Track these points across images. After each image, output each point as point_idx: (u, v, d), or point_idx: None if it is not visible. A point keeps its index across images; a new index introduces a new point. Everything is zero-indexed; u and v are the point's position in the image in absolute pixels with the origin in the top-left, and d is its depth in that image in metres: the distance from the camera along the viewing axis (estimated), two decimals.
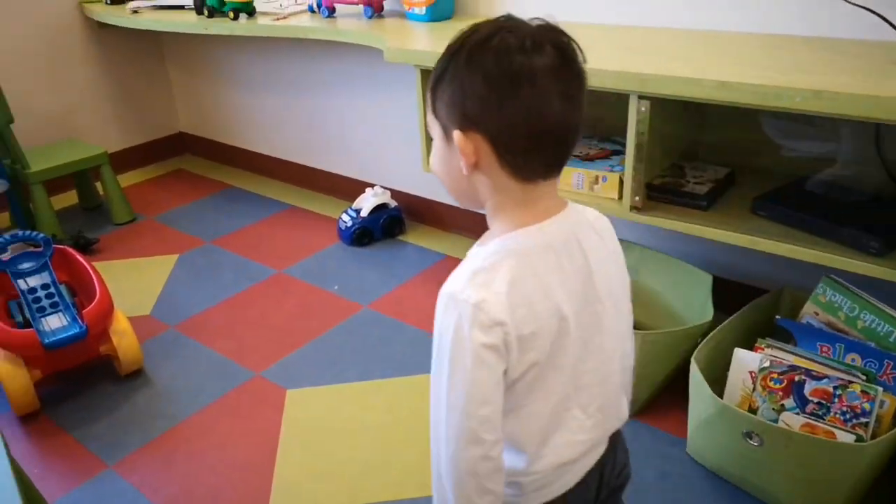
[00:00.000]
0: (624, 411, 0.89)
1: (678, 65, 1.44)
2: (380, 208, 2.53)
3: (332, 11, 2.29)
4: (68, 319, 1.76)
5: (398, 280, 2.29)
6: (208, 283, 2.31)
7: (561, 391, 0.78)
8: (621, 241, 0.89)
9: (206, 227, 2.71)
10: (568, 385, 0.79)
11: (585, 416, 0.81)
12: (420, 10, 2.09)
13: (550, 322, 0.75)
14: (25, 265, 1.84)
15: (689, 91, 1.36)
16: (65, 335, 1.68)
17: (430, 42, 1.86)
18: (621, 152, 1.73)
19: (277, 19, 2.33)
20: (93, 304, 1.74)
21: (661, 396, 1.66)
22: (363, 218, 2.50)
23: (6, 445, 1.11)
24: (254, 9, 2.41)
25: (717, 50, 1.58)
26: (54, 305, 1.81)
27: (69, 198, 3.01)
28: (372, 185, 2.68)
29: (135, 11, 2.70)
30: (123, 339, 1.79)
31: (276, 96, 2.93)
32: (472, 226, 2.50)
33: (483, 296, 0.73)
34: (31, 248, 1.89)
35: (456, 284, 0.76)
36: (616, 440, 0.89)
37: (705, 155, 1.78)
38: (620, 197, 1.61)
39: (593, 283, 0.79)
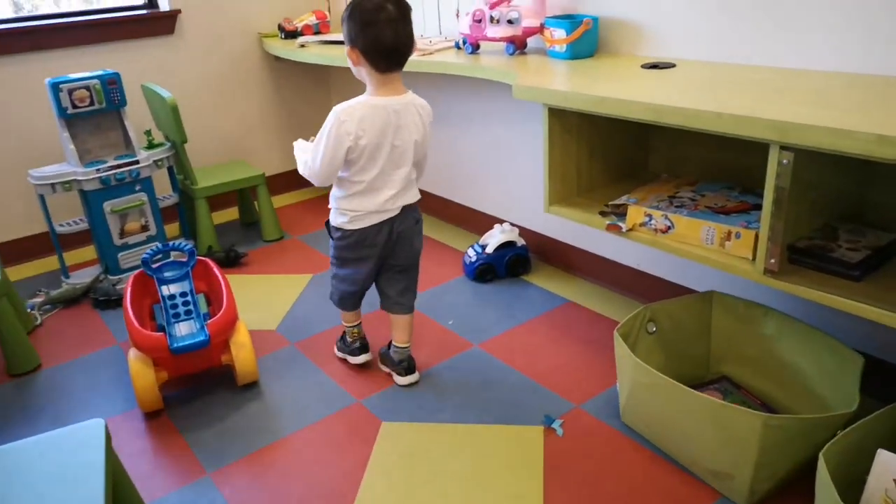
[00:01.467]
0: (406, 199, 1.75)
1: (826, 112, 1.25)
2: (506, 246, 2.48)
3: (475, 48, 2.31)
4: (197, 327, 1.89)
5: (515, 321, 2.21)
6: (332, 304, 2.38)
7: (377, 175, 1.68)
8: (759, 304, 1.70)
9: None
10: (379, 175, 1.68)
11: (386, 193, 1.70)
12: (560, 48, 2.04)
13: (372, 139, 1.63)
14: (169, 273, 2.01)
15: (839, 144, 1.17)
16: (190, 342, 1.80)
17: (562, 80, 1.80)
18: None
19: (424, 54, 2.39)
20: (217, 316, 1.86)
21: (788, 490, 1.43)
22: (488, 254, 2.47)
23: (109, 444, 1.20)
24: None
25: (872, 96, 1.37)
26: (188, 313, 1.96)
27: (232, 213, 3.29)
28: (501, 222, 2.65)
29: (302, 46, 2.91)
30: (241, 351, 1.89)
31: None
32: (599, 271, 2.38)
33: (345, 118, 1.61)
34: (178, 258, 2.06)
35: (340, 106, 1.62)
36: (405, 210, 1.76)
37: (870, 216, 1.54)
38: (754, 257, 1.43)
39: (400, 132, 1.67)
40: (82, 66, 2.84)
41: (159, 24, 3.00)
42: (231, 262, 2.74)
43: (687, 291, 2.10)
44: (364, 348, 2.04)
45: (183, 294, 1.99)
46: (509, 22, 2.15)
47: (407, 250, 1.82)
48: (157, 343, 1.77)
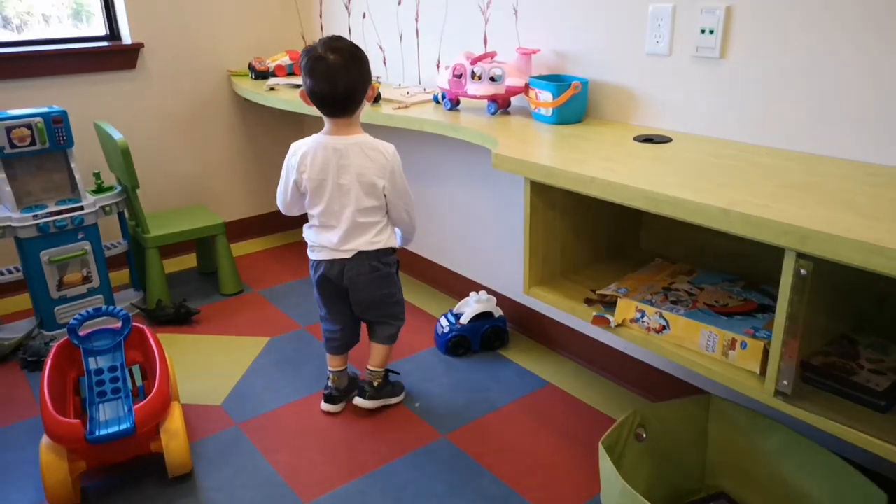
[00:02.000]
0: (362, 244, 1.76)
1: (854, 218, 1.07)
2: (482, 316, 2.28)
3: (455, 104, 2.13)
4: (123, 411, 1.65)
5: (489, 405, 2.00)
6: (288, 376, 2.16)
7: (323, 211, 1.75)
8: (763, 415, 1.50)
9: (304, 309, 2.60)
10: (325, 211, 1.75)
11: (336, 232, 1.76)
12: (546, 111, 1.87)
13: (314, 175, 1.72)
14: (98, 343, 1.78)
15: (871, 261, 0.99)
16: (110, 431, 1.57)
17: (547, 151, 1.62)
18: (770, 309, 1.36)
19: (399, 108, 2.21)
20: (146, 400, 1.63)
21: None
22: (462, 326, 2.26)
23: None
24: (379, 95, 2.32)
25: None
26: (116, 392, 1.72)
27: (189, 260, 3.06)
28: (478, 289, 2.45)
29: (272, 88, 2.72)
30: (173, 440, 1.65)
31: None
32: (583, 350, 2.18)
33: (292, 152, 1.77)
34: (111, 324, 1.83)
35: (296, 141, 1.78)
36: (361, 256, 1.76)
37: (893, 328, 1.35)
38: (763, 372, 1.24)
39: (343, 171, 1.71)
40: (34, 99, 2.63)
41: (120, 58, 2.80)
42: (181, 319, 2.50)
43: (681, 385, 1.90)
44: (332, 398, 1.98)
45: (112, 369, 1.76)
46: (492, 79, 1.98)
47: (363, 297, 1.85)
48: (70, 433, 1.53)
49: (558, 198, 1.62)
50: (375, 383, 1.97)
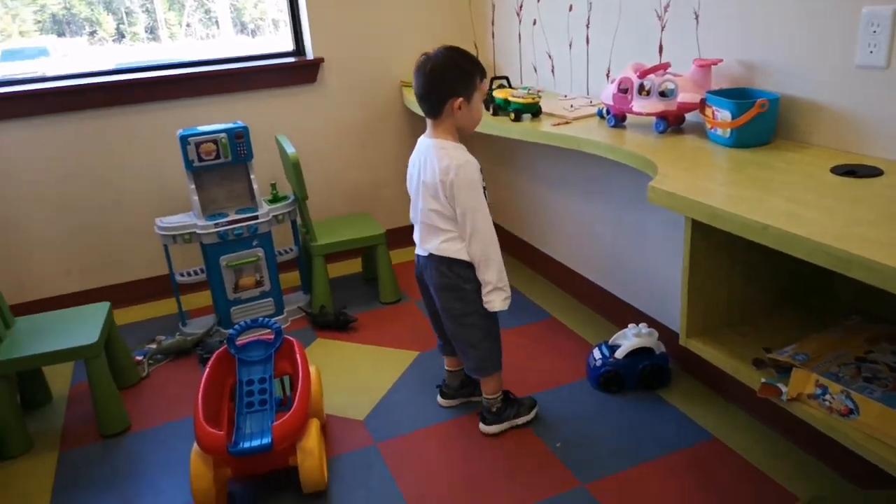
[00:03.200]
0: (432, 247, 1.78)
1: None
2: (641, 352, 2.07)
3: (620, 120, 1.95)
4: (266, 425, 1.71)
5: (639, 456, 1.80)
6: (431, 396, 2.13)
7: (412, 206, 1.84)
8: None
9: None
10: (412, 207, 1.84)
11: (417, 230, 1.84)
12: (724, 132, 1.62)
13: (410, 170, 1.82)
14: (252, 354, 1.86)
15: None
16: (250, 445, 1.63)
17: (717, 183, 1.39)
18: None
19: (559, 124, 2.07)
20: (284, 418, 1.67)
21: None
22: (616, 360, 2.07)
23: None
24: (539, 109, 2.20)
25: None
26: (263, 403, 1.79)
27: (355, 265, 3.16)
28: (640, 319, 2.24)
29: None
30: (308, 459, 1.68)
31: (565, 197, 2.67)
32: (758, 401, 1.89)
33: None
34: (265, 337, 1.91)
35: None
36: (432, 259, 1.79)
37: None
38: None
39: (423, 169, 1.74)
40: (223, 112, 2.86)
41: (303, 73, 2.95)
42: (340, 325, 2.58)
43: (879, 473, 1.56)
44: (443, 394, 2.08)
45: (262, 380, 1.84)
46: (662, 94, 1.77)
47: (438, 302, 1.85)
48: (215, 444, 1.61)
49: (727, 237, 1.39)
50: (493, 409, 1.93)
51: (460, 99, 1.68)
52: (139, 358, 2.41)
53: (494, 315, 1.84)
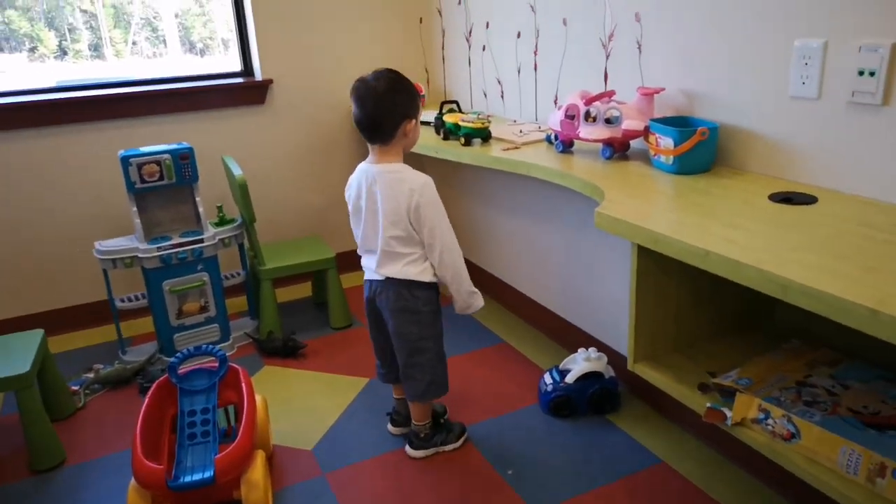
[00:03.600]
0: (392, 271, 1.75)
1: None
2: (591, 376, 2.08)
3: (567, 146, 1.97)
4: (209, 458, 1.65)
5: (591, 482, 1.80)
6: (382, 423, 2.09)
7: (362, 235, 1.80)
8: None
9: None
10: (363, 235, 1.79)
11: (374, 257, 1.79)
12: (667, 159, 1.66)
13: (352, 198, 1.79)
14: (196, 383, 1.80)
15: None
16: (191, 479, 1.57)
17: (661, 209, 1.42)
18: None
19: (508, 149, 2.09)
20: (228, 450, 1.61)
21: None
22: (567, 385, 2.07)
23: None
24: (489, 134, 2.22)
25: None
26: (206, 434, 1.73)
27: (305, 289, 3.11)
28: (589, 343, 2.25)
29: None
30: (252, 492, 1.62)
31: (512, 219, 2.68)
32: (705, 425, 1.91)
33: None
34: (209, 365, 1.85)
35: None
36: (390, 282, 1.76)
37: None
38: None
39: (373, 197, 1.72)
40: (169, 133, 2.79)
41: (251, 94, 2.91)
42: (289, 352, 2.52)
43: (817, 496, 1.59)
44: (393, 421, 2.05)
45: (205, 410, 1.78)
46: (607, 121, 1.80)
47: (392, 328, 1.82)
48: (153, 478, 1.54)
49: (674, 263, 1.41)
50: (422, 434, 1.93)
51: (413, 120, 1.71)
52: (75, 388, 2.30)
53: (442, 339, 1.87)
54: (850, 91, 1.35)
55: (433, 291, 1.81)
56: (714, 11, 1.64)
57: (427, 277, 1.76)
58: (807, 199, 1.38)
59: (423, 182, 1.69)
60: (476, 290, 1.83)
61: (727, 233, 1.23)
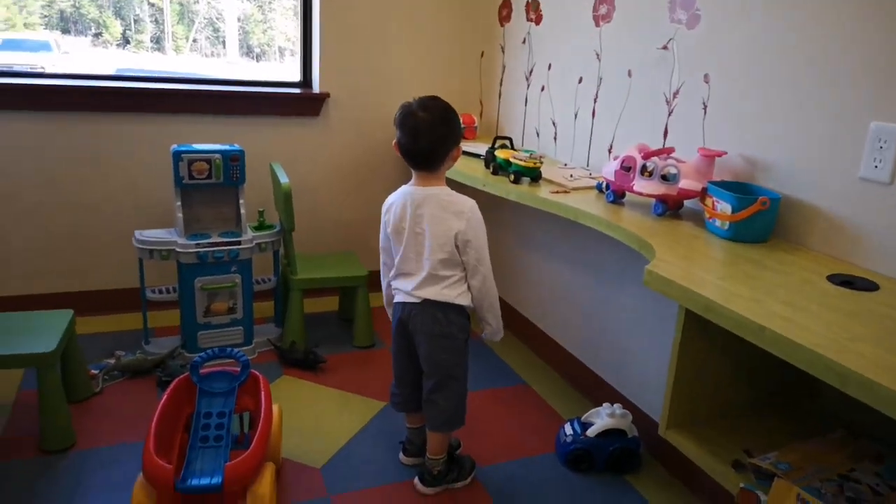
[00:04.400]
0: (431, 293, 1.75)
1: None
2: (613, 433, 2.02)
3: (619, 196, 1.94)
4: (219, 463, 1.63)
5: None
6: (394, 451, 2.05)
7: (402, 258, 1.79)
8: None
9: None
10: (403, 258, 1.79)
11: (413, 280, 1.77)
12: (723, 224, 1.62)
13: (393, 222, 1.78)
14: (216, 385, 1.79)
15: None
16: (198, 483, 1.54)
17: (714, 275, 1.38)
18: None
19: (557, 192, 2.07)
20: (239, 459, 1.58)
21: None
22: (587, 438, 2.02)
23: None
24: (539, 174, 2.20)
25: None
26: (218, 439, 1.71)
27: (332, 302, 3.10)
28: (616, 398, 2.20)
29: None
30: None
31: (549, 262, 2.65)
32: (718, 498, 1.84)
33: (385, 204, 1.84)
34: (230, 368, 1.84)
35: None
36: (427, 305, 1.76)
37: None
38: None
39: (419, 220, 1.74)
40: (219, 133, 2.83)
41: (307, 105, 2.94)
42: (308, 364, 2.51)
43: None
44: (405, 451, 2.01)
45: (221, 414, 1.76)
46: (664, 178, 1.77)
47: (424, 351, 1.80)
48: (162, 478, 1.52)
49: (719, 332, 1.37)
50: (435, 471, 1.88)
51: (459, 147, 1.77)
52: (94, 372, 2.30)
53: (468, 375, 1.87)
54: None
55: (465, 319, 1.82)
56: (789, 81, 1.61)
57: (464, 301, 1.77)
58: (868, 286, 1.33)
59: (471, 205, 1.75)
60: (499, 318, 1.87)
61: (783, 310, 1.18)
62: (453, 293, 1.75)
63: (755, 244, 1.59)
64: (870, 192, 1.44)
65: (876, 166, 1.41)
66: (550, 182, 2.18)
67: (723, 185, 1.69)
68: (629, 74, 2.16)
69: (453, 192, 1.76)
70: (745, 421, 1.47)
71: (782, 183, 1.64)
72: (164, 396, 1.74)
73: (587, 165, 2.41)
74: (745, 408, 1.50)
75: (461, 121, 1.80)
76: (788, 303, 1.22)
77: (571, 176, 2.23)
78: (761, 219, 1.57)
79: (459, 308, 1.77)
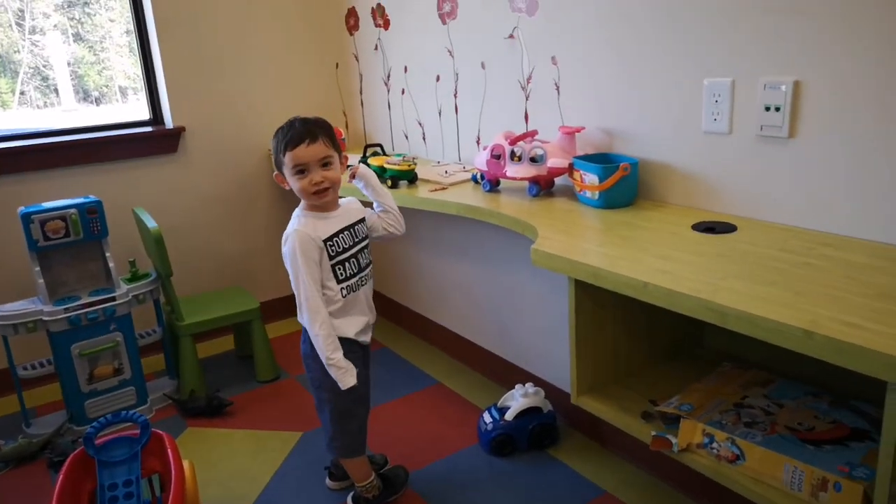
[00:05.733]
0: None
1: None
2: (530, 412, 2.08)
3: (494, 185, 2.00)
4: None
5: None
6: (319, 480, 2.00)
7: None
8: None
9: None
10: None
11: None
12: (593, 194, 1.71)
13: None
14: (116, 453, 1.67)
15: None
16: None
17: (594, 244, 1.45)
18: (866, 435, 1.13)
19: (436, 189, 2.09)
20: None
21: None
22: (507, 423, 2.06)
23: None
24: (415, 176, 2.22)
25: None
26: None
27: (227, 342, 2.97)
28: (526, 379, 2.26)
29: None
30: None
31: (440, 258, 2.68)
32: (644, 454, 1.94)
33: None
34: (129, 432, 1.72)
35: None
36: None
37: None
38: None
39: None
40: (76, 186, 2.63)
41: (162, 143, 2.80)
42: (213, 411, 2.39)
43: None
44: (332, 475, 1.97)
45: (127, 482, 1.64)
46: (532, 160, 1.85)
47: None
48: None
49: (608, 296, 1.44)
50: (371, 496, 1.84)
51: (276, 172, 1.70)
52: None
53: (348, 396, 1.68)
54: (759, 125, 1.44)
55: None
56: (624, 53, 1.72)
57: (306, 324, 1.66)
58: (727, 228, 1.45)
59: (289, 231, 1.67)
60: (335, 363, 1.62)
61: (660, 264, 1.27)
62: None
63: (624, 208, 1.69)
64: (714, 143, 1.57)
65: (715, 119, 1.54)
66: (427, 181, 2.21)
67: (587, 158, 1.78)
68: (483, 66, 2.23)
69: (297, 214, 1.69)
70: (647, 375, 1.56)
71: (639, 148, 1.75)
72: (60, 477, 1.60)
73: (459, 160, 2.46)
74: (643, 364, 1.59)
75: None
76: (663, 256, 1.31)
77: (446, 172, 2.27)
78: (625, 184, 1.67)
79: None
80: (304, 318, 1.65)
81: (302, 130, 1.59)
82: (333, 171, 1.63)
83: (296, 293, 1.64)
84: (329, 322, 1.63)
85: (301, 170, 1.61)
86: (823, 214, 1.38)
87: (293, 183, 1.64)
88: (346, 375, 1.62)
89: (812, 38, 1.33)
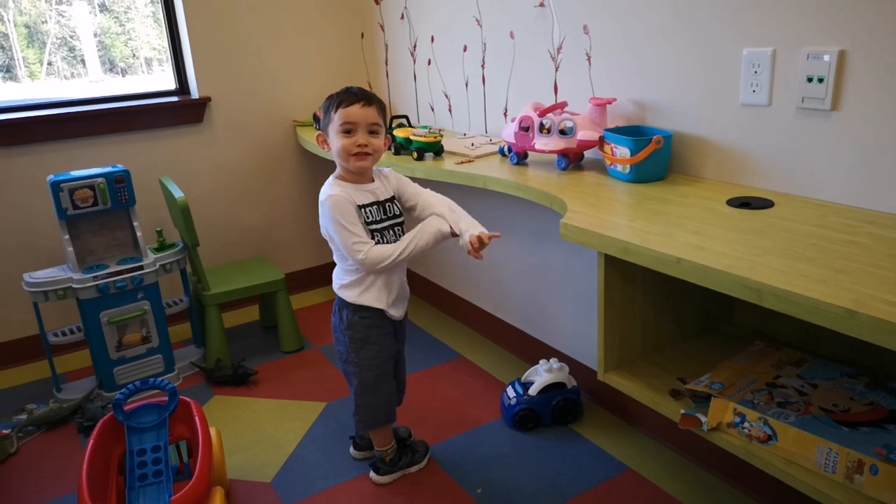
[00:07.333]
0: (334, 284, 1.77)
1: None
2: (554, 387, 2.07)
3: (522, 157, 1.97)
4: (164, 499, 1.55)
5: (561, 495, 1.78)
6: (343, 448, 2.02)
7: None
8: None
9: None
10: None
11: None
12: (624, 168, 1.67)
13: None
14: (143, 420, 1.69)
15: None
16: None
17: (624, 218, 1.42)
18: None
19: (462, 162, 2.07)
20: (184, 490, 1.50)
21: None
22: (531, 398, 2.06)
23: None
24: (441, 148, 2.19)
25: None
26: (158, 474, 1.63)
27: (252, 312, 3.00)
28: (550, 354, 2.25)
29: None
30: None
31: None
32: (669, 430, 1.93)
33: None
34: (157, 399, 1.74)
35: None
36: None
37: None
38: None
39: None
40: (103, 155, 2.65)
41: (188, 113, 2.80)
42: (239, 380, 2.42)
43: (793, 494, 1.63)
44: (356, 445, 2.00)
45: (155, 448, 1.67)
46: (562, 132, 1.81)
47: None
48: None
49: (638, 271, 1.42)
50: (386, 459, 1.87)
51: (320, 132, 1.70)
52: (6, 431, 2.13)
53: (372, 372, 1.74)
54: (800, 97, 1.39)
55: (352, 308, 1.72)
56: (659, 23, 1.67)
57: (349, 297, 1.71)
58: (764, 204, 1.41)
59: (324, 193, 1.66)
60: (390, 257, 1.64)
61: (693, 239, 1.23)
62: (339, 283, 1.73)
63: (656, 182, 1.65)
64: (752, 116, 1.51)
65: (754, 91, 1.49)
66: (454, 154, 2.18)
67: (618, 130, 1.74)
68: (511, 36, 2.18)
69: (330, 182, 1.67)
70: (676, 352, 1.54)
71: (672, 120, 1.71)
72: (90, 441, 1.63)
73: (486, 132, 2.42)
74: (674, 339, 1.56)
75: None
76: (696, 232, 1.27)
77: (473, 145, 2.24)
78: (658, 157, 1.63)
79: (346, 303, 1.72)
80: (368, 266, 1.63)
81: (359, 93, 1.63)
82: (378, 140, 1.64)
83: (343, 250, 1.64)
84: (380, 246, 1.63)
85: (348, 129, 1.61)
86: (867, 191, 1.34)
87: (336, 142, 1.62)
88: (420, 237, 1.67)
89: (858, 5, 1.27)
